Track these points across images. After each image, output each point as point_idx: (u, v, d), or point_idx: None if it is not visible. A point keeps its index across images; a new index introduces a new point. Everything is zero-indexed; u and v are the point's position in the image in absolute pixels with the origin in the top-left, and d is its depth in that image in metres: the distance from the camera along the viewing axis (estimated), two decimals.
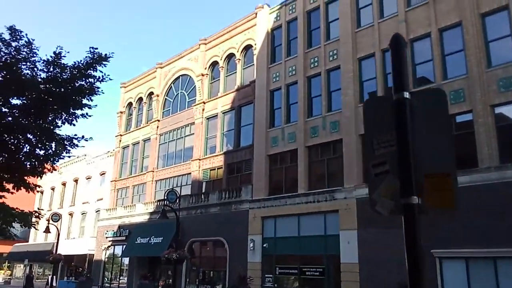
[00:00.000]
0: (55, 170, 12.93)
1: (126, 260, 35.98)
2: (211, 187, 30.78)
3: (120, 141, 42.20)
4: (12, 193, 12.31)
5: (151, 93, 39.35)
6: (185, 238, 28.64)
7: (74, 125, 12.04)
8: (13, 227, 11.88)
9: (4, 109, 11.21)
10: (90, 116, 12.14)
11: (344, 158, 22.03)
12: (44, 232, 34.04)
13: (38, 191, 12.75)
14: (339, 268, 21.22)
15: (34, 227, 11.69)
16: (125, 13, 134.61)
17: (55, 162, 11.81)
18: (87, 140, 11.91)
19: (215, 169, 30.93)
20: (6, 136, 11.22)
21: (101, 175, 44.73)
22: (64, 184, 50.00)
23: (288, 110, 25.88)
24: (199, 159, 32.02)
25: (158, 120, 37.65)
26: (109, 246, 37.55)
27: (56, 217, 34.63)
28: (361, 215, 20.75)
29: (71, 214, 47.00)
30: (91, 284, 31.54)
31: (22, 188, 12.09)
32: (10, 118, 11.17)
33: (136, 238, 33.22)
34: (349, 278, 20.61)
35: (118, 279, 36.58)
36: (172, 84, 37.64)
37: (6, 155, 11.50)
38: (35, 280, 48.09)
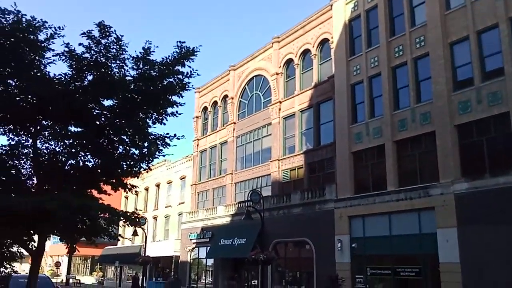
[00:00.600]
0: (151, 169, 12.84)
1: (209, 261, 36.44)
2: (291, 187, 30.22)
3: (197, 145, 42.88)
4: (109, 194, 12.37)
5: (226, 96, 39.53)
6: (268, 239, 28.28)
7: (164, 124, 11.83)
8: (117, 227, 11.94)
9: (96, 111, 11.17)
10: (180, 114, 11.85)
11: (438, 152, 20.53)
12: (132, 235, 35.18)
13: (136, 192, 12.65)
14: (438, 268, 19.80)
15: (141, 227, 11.67)
16: (194, 18, 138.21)
17: (150, 161, 11.64)
18: (179, 139, 11.57)
19: (295, 169, 30.34)
20: (100, 138, 11.21)
21: (181, 179, 45.77)
22: (147, 189, 51.77)
23: (372, 104, 24.66)
24: (278, 160, 31.59)
25: (234, 123, 37.70)
26: (193, 248, 38.22)
27: (142, 221, 35.69)
28: (460, 211, 19.21)
29: (155, 218, 48.53)
30: (179, 284, 32.17)
31: (119, 189, 12.10)
32: (103, 119, 11.13)
33: (220, 239, 33.43)
34: (450, 279, 19.10)
35: (204, 280, 37.15)
36: (246, 86, 37.55)
37: (102, 157, 11.52)
38: (125, 281, 50.28)
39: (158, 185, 50.28)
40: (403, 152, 22.63)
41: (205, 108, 42.86)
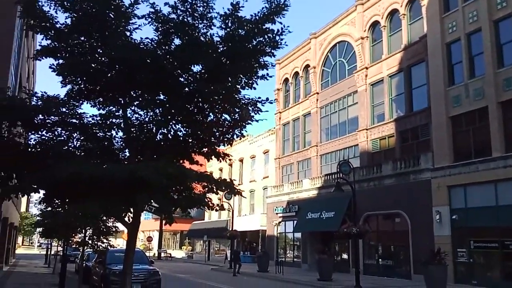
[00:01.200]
0: (243, 136, 12.26)
1: (296, 235, 36.07)
2: (382, 157, 28.71)
3: (279, 118, 42.29)
4: (201, 165, 12.02)
5: (307, 66, 38.36)
6: (358, 212, 27.07)
7: (254, 88, 11.10)
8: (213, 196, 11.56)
9: (184, 77, 10.66)
10: (270, 76, 11.04)
11: None
12: (219, 209, 35.52)
13: (230, 160, 12.13)
14: None
15: (240, 194, 11.12)
16: None
17: (243, 127, 11.05)
18: (271, 103, 10.70)
19: (385, 138, 28.74)
20: (190, 105, 10.73)
21: (264, 153, 45.62)
22: (230, 165, 52.32)
23: (471, 63, 22.40)
24: (366, 129, 30.11)
25: (317, 93, 36.53)
26: (279, 222, 38.06)
27: (228, 196, 36.00)
28: None
29: None
30: (268, 258, 32.14)
31: (212, 158, 11.68)
32: (192, 86, 10.61)
33: (307, 213, 32.86)
34: None
35: (292, 254, 36.97)
36: (328, 54, 36.08)
37: (193, 125, 11.09)
38: (214, 255, 51.69)
39: (241, 160, 50.63)
40: (510, 114, 20.39)
41: (286, 80, 42.01)
